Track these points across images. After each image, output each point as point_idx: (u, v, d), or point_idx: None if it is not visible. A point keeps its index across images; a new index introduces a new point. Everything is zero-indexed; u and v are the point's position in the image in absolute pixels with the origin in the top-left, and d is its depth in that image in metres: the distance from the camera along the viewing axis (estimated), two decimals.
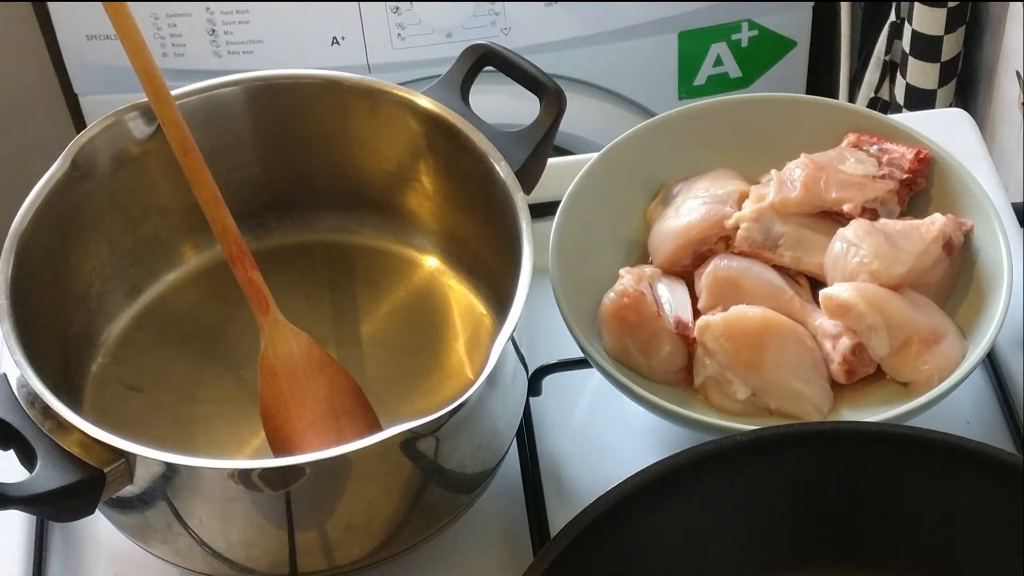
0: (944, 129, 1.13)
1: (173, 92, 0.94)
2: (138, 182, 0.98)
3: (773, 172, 1.01)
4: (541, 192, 0.98)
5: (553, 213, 1.01)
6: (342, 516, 0.86)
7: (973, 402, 1.00)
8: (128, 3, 0.91)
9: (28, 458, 0.82)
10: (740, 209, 1.00)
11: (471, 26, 1.70)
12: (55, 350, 0.92)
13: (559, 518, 0.88)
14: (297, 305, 0.99)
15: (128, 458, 0.82)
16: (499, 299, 0.97)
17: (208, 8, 1.68)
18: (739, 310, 0.95)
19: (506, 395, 0.90)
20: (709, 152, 1.05)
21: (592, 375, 1.00)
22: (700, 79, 1.83)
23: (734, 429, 0.88)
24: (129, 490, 0.84)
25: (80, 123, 1.86)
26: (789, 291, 0.98)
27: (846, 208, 0.99)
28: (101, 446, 0.81)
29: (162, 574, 0.92)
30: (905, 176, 1.01)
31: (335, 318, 1.02)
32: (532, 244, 0.88)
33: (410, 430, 0.81)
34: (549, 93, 0.97)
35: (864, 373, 0.95)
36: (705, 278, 0.98)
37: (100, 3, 0.91)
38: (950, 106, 1.55)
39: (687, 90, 1.83)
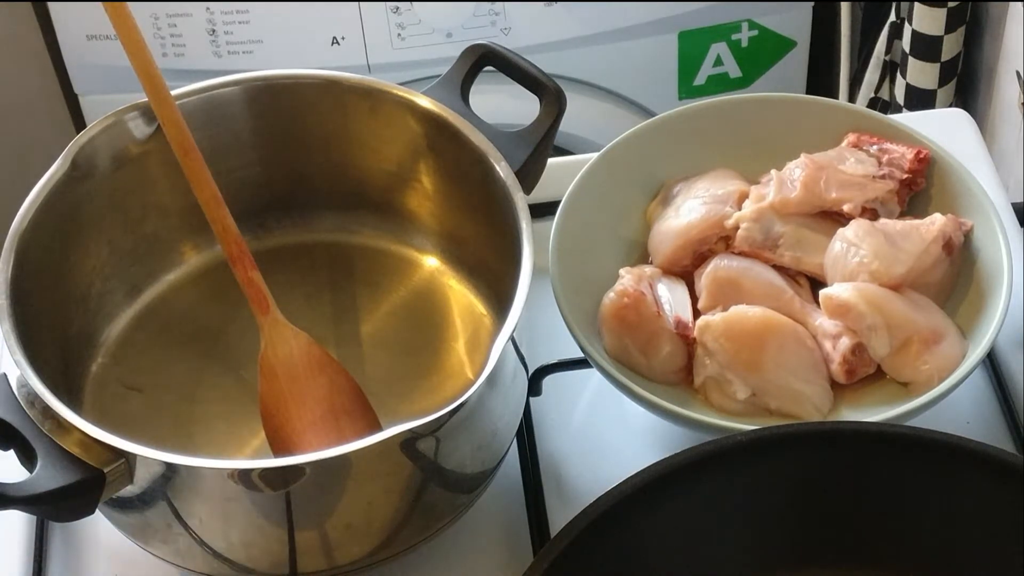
0: (944, 129, 1.13)
1: (173, 92, 0.94)
2: (138, 182, 0.98)
3: (773, 172, 1.01)
4: (541, 192, 0.98)
5: (553, 213, 1.01)
6: (342, 516, 0.86)
7: (973, 402, 1.00)
8: (128, 3, 0.91)
9: (28, 458, 0.82)
10: (740, 209, 1.00)
11: (471, 26, 1.70)
12: (55, 350, 0.92)
13: (559, 518, 0.88)
14: (297, 305, 0.99)
15: (128, 458, 0.82)
16: (499, 299, 0.97)
17: (208, 8, 1.68)
18: (739, 310, 0.95)
19: (506, 395, 0.90)
20: (709, 152, 1.05)
21: (592, 375, 1.00)
22: (700, 79, 1.83)
23: (734, 429, 0.88)
24: (129, 490, 0.84)
25: (80, 123, 1.86)
26: (789, 291, 0.98)
27: (846, 208, 0.99)
28: (101, 446, 0.81)
29: (162, 574, 0.92)
30: (905, 176, 1.01)
31: (335, 318, 1.02)
32: (532, 244, 0.88)
33: (410, 430, 0.81)
34: (549, 93, 0.97)
35: (864, 373, 0.95)
36: (705, 278, 0.98)
37: (100, 3, 0.91)
38: (950, 106, 1.55)
39: (687, 90, 1.83)
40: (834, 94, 1.76)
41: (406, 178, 1.01)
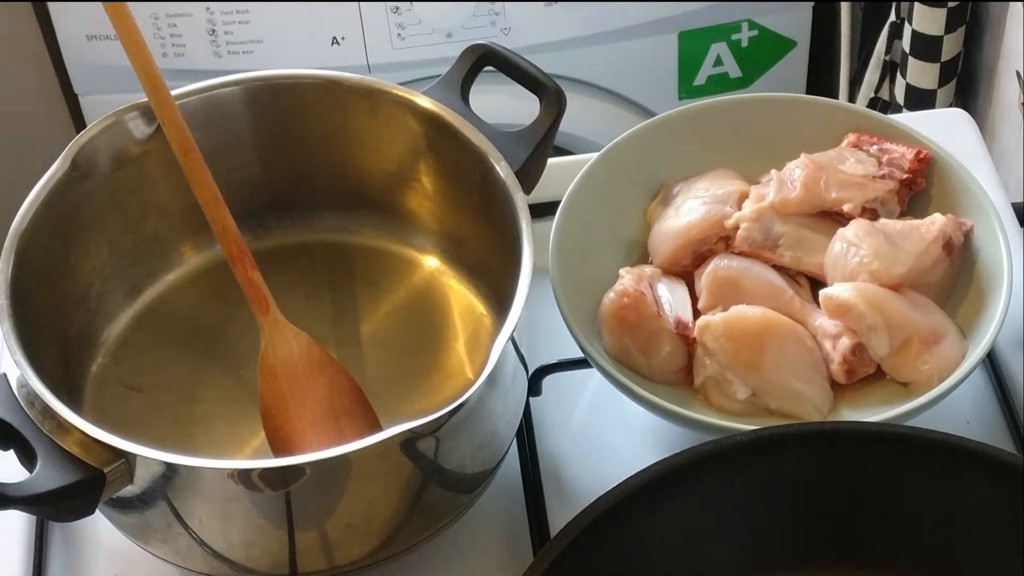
0: (944, 129, 1.13)
1: (173, 92, 0.94)
2: (138, 182, 0.98)
3: (773, 172, 1.01)
4: (541, 192, 0.98)
5: (553, 213, 1.01)
6: (342, 516, 0.86)
7: (973, 402, 1.00)
8: (128, 3, 0.91)
9: (28, 458, 0.82)
10: (740, 209, 1.00)
11: (471, 26, 1.70)
12: (55, 350, 0.92)
13: (559, 518, 0.88)
14: (297, 305, 0.99)
15: (128, 458, 0.82)
16: (499, 299, 0.97)
17: (208, 8, 1.68)
18: (739, 310, 0.95)
19: (506, 395, 0.90)
20: (709, 152, 1.05)
21: (592, 375, 1.00)
22: (700, 79, 1.83)
23: (734, 429, 0.88)
24: (129, 490, 0.84)
25: (80, 123, 1.86)
26: (789, 291, 0.98)
27: (846, 208, 0.99)
28: (101, 446, 0.81)
29: (162, 574, 0.92)
30: (905, 176, 1.01)
31: (335, 318, 1.02)
32: (532, 244, 0.88)
33: (410, 430, 0.81)
34: (549, 93, 0.97)
35: (864, 373, 0.95)
36: (705, 278, 0.98)
37: (100, 3, 0.91)
38: (950, 106, 1.55)
39: (687, 90, 1.83)
40: (834, 94, 1.76)
41: (406, 178, 1.01)
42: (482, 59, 0.99)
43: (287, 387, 0.93)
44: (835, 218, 1.00)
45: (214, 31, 1.70)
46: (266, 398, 0.94)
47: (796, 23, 1.81)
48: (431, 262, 1.03)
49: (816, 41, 1.84)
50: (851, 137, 1.04)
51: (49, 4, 1.70)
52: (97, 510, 0.83)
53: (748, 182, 1.03)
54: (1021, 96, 1.43)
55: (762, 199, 1.00)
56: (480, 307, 1.01)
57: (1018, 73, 1.44)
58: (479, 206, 0.96)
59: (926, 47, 1.52)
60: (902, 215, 1.01)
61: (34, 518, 0.96)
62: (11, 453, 0.83)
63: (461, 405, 0.83)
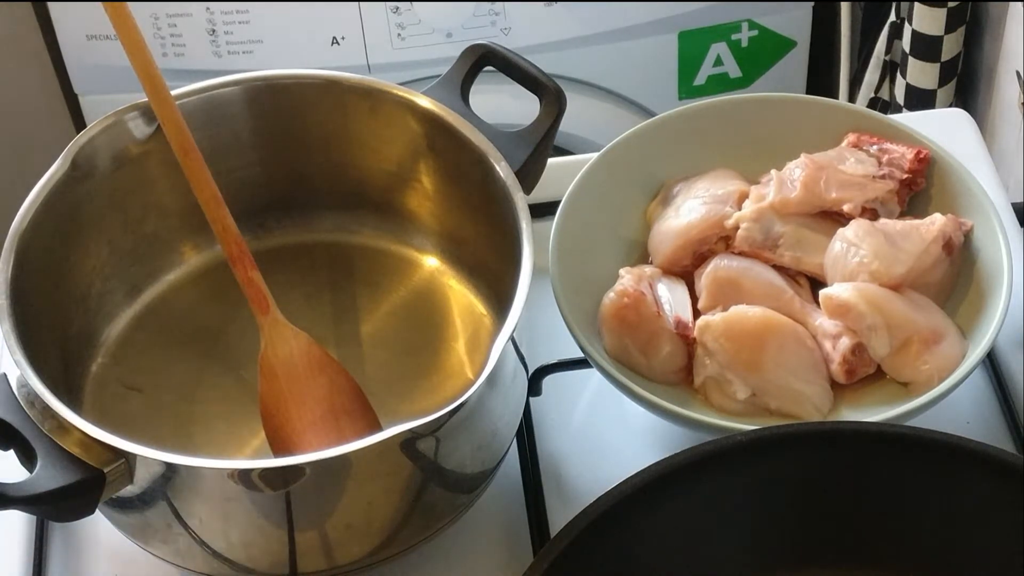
0: (944, 129, 1.13)
1: (173, 92, 0.94)
2: (138, 182, 0.98)
3: (773, 172, 1.01)
4: (541, 192, 0.98)
5: (553, 213, 1.01)
6: (342, 516, 0.86)
7: (973, 402, 1.00)
8: (128, 3, 0.91)
9: (28, 458, 0.82)
10: (740, 209, 1.00)
11: (471, 26, 1.70)
12: (55, 350, 0.92)
13: (559, 518, 0.88)
14: (297, 305, 0.99)
15: (128, 458, 0.82)
16: (499, 299, 0.97)
17: (208, 8, 1.68)
18: (739, 310, 0.95)
19: (506, 395, 0.90)
20: (709, 152, 1.05)
21: (592, 375, 1.00)
22: (700, 79, 1.83)
23: (734, 429, 0.88)
24: (129, 490, 0.84)
25: (80, 123, 1.86)
26: (789, 291, 0.98)
27: (846, 208, 0.99)
28: (101, 446, 0.81)
29: (162, 574, 0.92)
30: (905, 176, 1.01)
31: (335, 318, 1.02)
32: (532, 244, 0.88)
33: (410, 430, 0.81)
34: (549, 93, 0.97)
35: (864, 373, 0.95)
36: (705, 278, 0.98)
37: (100, 3, 0.91)
38: (950, 106, 1.55)
39: (687, 90, 1.83)
40: (834, 94, 1.76)
41: (406, 178, 1.01)
42: (482, 59, 0.99)
43: (287, 387, 0.93)
44: (835, 218, 1.00)
45: (214, 31, 1.70)
46: (266, 398, 0.94)
47: (796, 23, 1.81)
48: (431, 262, 1.03)
49: (816, 41, 1.84)
50: (851, 137, 1.04)
51: (49, 4, 1.70)
52: (97, 510, 0.83)
53: (748, 182, 1.03)
54: (1021, 96, 1.43)
55: (762, 199, 1.00)
56: (480, 307, 1.01)
57: (1018, 73, 1.44)
58: (479, 206, 0.96)
59: (926, 47, 1.52)
60: (902, 215, 1.01)
61: (34, 518, 0.96)
62: (11, 453, 0.83)
63: (461, 405, 0.83)
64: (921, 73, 1.54)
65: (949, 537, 0.85)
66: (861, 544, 0.87)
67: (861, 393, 0.95)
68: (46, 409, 0.82)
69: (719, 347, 0.94)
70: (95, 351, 0.98)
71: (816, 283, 0.99)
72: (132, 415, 0.96)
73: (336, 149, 1.01)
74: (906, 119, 1.11)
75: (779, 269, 0.99)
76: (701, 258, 1.00)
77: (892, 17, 1.59)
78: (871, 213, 1.00)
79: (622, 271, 0.99)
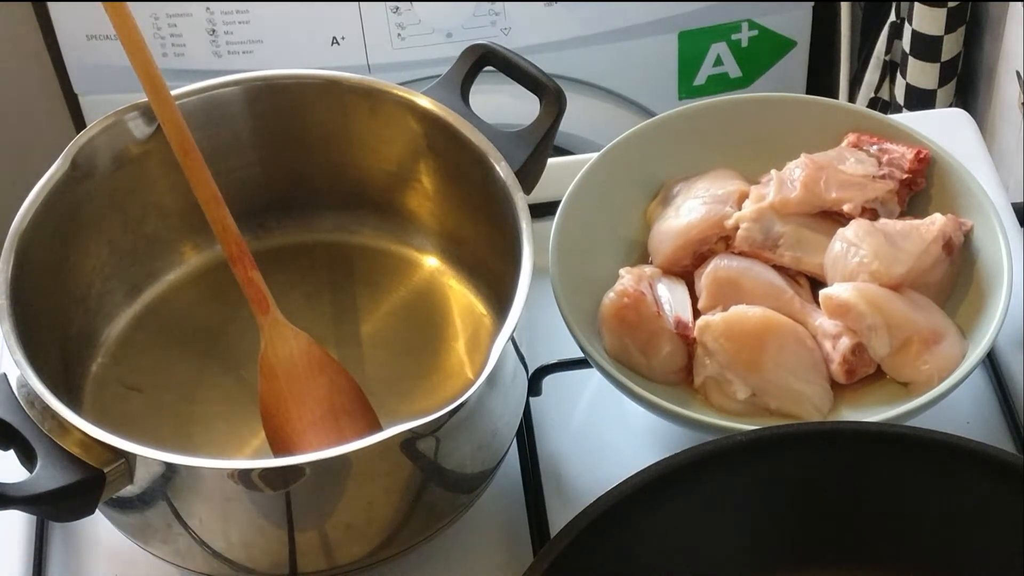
0: (944, 129, 1.13)
1: (173, 92, 0.94)
2: (138, 182, 0.98)
3: (773, 172, 1.01)
4: (541, 192, 0.98)
5: (553, 213, 1.01)
6: (342, 516, 0.86)
7: (973, 402, 1.00)
8: (128, 3, 0.91)
9: (28, 458, 0.82)
10: (740, 209, 1.00)
11: (471, 26, 1.70)
12: (55, 350, 0.92)
13: (559, 518, 0.88)
14: (297, 305, 0.99)
15: (128, 458, 0.82)
16: (499, 299, 0.97)
17: (208, 8, 1.68)
18: (739, 310, 0.95)
19: (506, 395, 0.90)
20: (709, 152, 1.05)
21: (592, 375, 1.00)
22: (700, 79, 1.83)
23: (734, 429, 0.88)
24: (129, 490, 0.84)
25: (80, 123, 1.86)
26: (789, 291, 0.98)
27: (846, 208, 0.99)
28: (101, 446, 0.81)
29: (162, 574, 0.92)
30: (905, 176, 1.01)
31: (335, 318, 1.02)
32: (532, 244, 0.88)
33: (410, 430, 0.81)
34: (549, 93, 0.97)
35: (864, 373, 0.95)
36: (705, 278, 0.98)
37: (100, 3, 0.91)
38: (950, 106, 1.55)
39: (687, 90, 1.83)
40: (834, 94, 1.76)
41: (406, 178, 1.01)
42: (482, 59, 0.99)
43: (287, 387, 0.93)
44: (835, 218, 1.00)
45: (214, 31, 1.70)
46: (266, 398, 0.94)
47: (796, 23, 1.81)
48: (431, 262, 1.03)
49: (816, 41, 1.84)
50: (851, 137, 1.04)
51: (49, 4, 1.70)
52: (97, 510, 0.83)
53: (748, 182, 1.03)
54: (1021, 96, 1.43)
55: (762, 199, 1.00)
56: (480, 307, 1.01)
57: (1018, 73, 1.44)
58: (479, 206, 0.96)
59: (926, 47, 1.52)
60: (902, 215, 1.01)
61: (34, 518, 0.96)
62: (11, 453, 0.83)
63: (461, 405, 0.83)
64: (921, 73, 1.54)
65: (949, 537, 0.85)
66: (861, 544, 0.87)
67: (861, 393, 0.95)
68: (46, 409, 0.82)
69: (719, 347, 0.94)
70: (95, 351, 0.98)
71: (816, 283, 0.99)
72: (132, 415, 0.96)
73: (336, 149, 1.01)
74: (906, 119, 1.11)
75: (779, 269, 0.99)
76: (701, 258, 1.00)
77: (892, 17, 1.59)
78: (871, 213, 1.00)
79: (622, 271, 0.99)
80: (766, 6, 1.78)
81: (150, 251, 1.01)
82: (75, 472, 0.80)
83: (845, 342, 0.94)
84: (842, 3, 1.70)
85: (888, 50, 1.61)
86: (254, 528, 0.85)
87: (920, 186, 1.02)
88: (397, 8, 1.69)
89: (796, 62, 1.85)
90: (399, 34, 1.71)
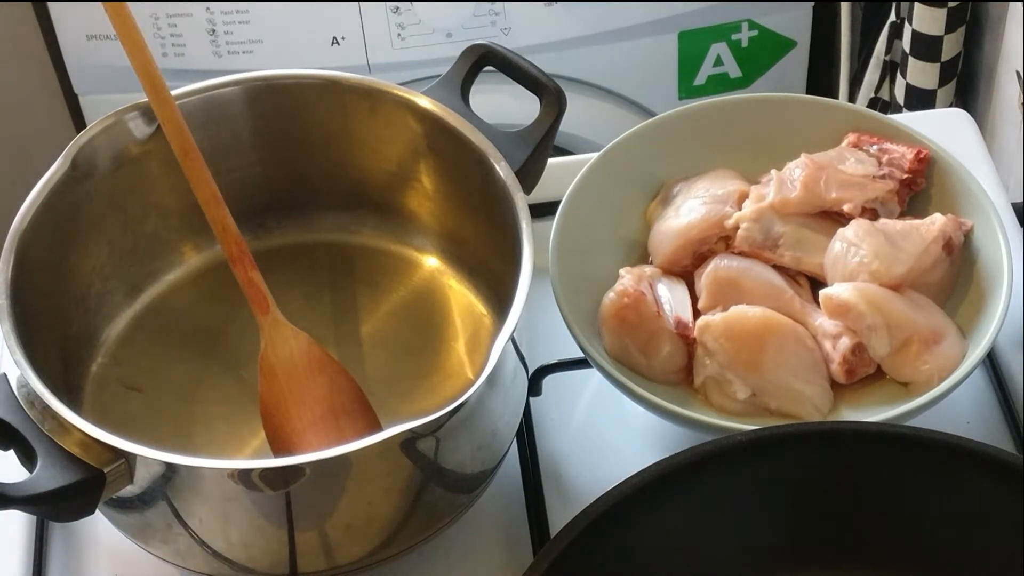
0: (944, 129, 1.13)
1: (173, 92, 0.94)
2: (138, 182, 0.98)
3: (773, 172, 1.01)
4: (541, 192, 0.98)
5: (553, 213, 1.01)
6: (342, 516, 0.86)
7: (973, 402, 1.00)
8: (128, 3, 0.91)
9: (28, 458, 0.82)
10: (740, 209, 1.00)
11: (471, 26, 1.70)
12: (55, 350, 0.92)
13: (559, 518, 0.88)
14: (297, 305, 0.99)
15: (128, 458, 0.82)
16: (499, 299, 0.97)
17: (208, 8, 1.68)
18: (739, 310, 0.95)
19: (506, 395, 0.90)
20: (709, 152, 1.05)
21: (592, 375, 1.00)
22: (700, 79, 1.83)
23: (734, 429, 0.88)
24: (129, 490, 0.84)
25: (80, 123, 1.86)
26: (789, 291, 0.98)
27: (846, 208, 0.99)
28: (101, 446, 0.81)
29: (162, 574, 0.92)
30: (905, 176, 1.01)
31: (335, 318, 1.02)
32: (532, 244, 0.88)
33: (410, 430, 0.81)
34: (549, 93, 0.97)
35: (864, 373, 0.95)
36: (705, 278, 0.98)
37: (100, 3, 0.91)
38: (950, 106, 1.55)
39: (687, 90, 1.83)
40: (834, 94, 1.76)
41: (406, 178, 1.01)
42: (482, 59, 0.99)
43: (287, 387, 0.93)
44: (835, 218, 1.00)
45: (214, 31, 1.70)
46: (266, 398, 0.94)
47: (796, 23, 1.81)
48: (431, 262, 1.03)
49: (816, 41, 1.84)
50: (851, 137, 1.04)
51: (49, 4, 1.70)
52: (97, 510, 0.83)
53: (748, 182, 1.03)
54: (1021, 96, 1.43)
55: (762, 199, 1.00)
56: (480, 307, 1.01)
57: (1018, 73, 1.44)
58: (479, 206, 0.96)
59: (926, 47, 1.52)
60: (902, 215, 1.01)
61: (34, 518, 0.96)
62: (11, 453, 0.83)
63: (461, 405, 0.83)
64: (921, 73, 1.54)
65: (949, 537, 0.85)
66: (861, 544, 0.87)
67: (861, 393, 0.95)
68: (46, 409, 0.82)
69: (719, 347, 0.94)
70: (95, 351, 0.98)
71: (816, 283, 0.99)
72: (132, 415, 0.96)
73: (336, 149, 1.01)
74: (906, 119, 1.11)
75: (779, 269, 0.99)
76: (701, 258, 1.00)
77: (892, 17, 1.59)
78: (871, 213, 1.00)
79: (622, 271, 0.99)
80: (766, 6, 1.78)
81: (150, 251, 1.01)
82: (75, 472, 0.80)
83: (845, 342, 0.94)
84: (842, 3, 1.70)
85: (888, 50, 1.61)
86: (254, 528, 0.85)
87: (920, 186, 1.02)
88: (397, 8, 1.69)
89: (796, 62, 1.85)
90: (399, 34, 1.71)
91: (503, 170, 0.93)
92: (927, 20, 1.50)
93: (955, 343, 0.95)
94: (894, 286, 0.96)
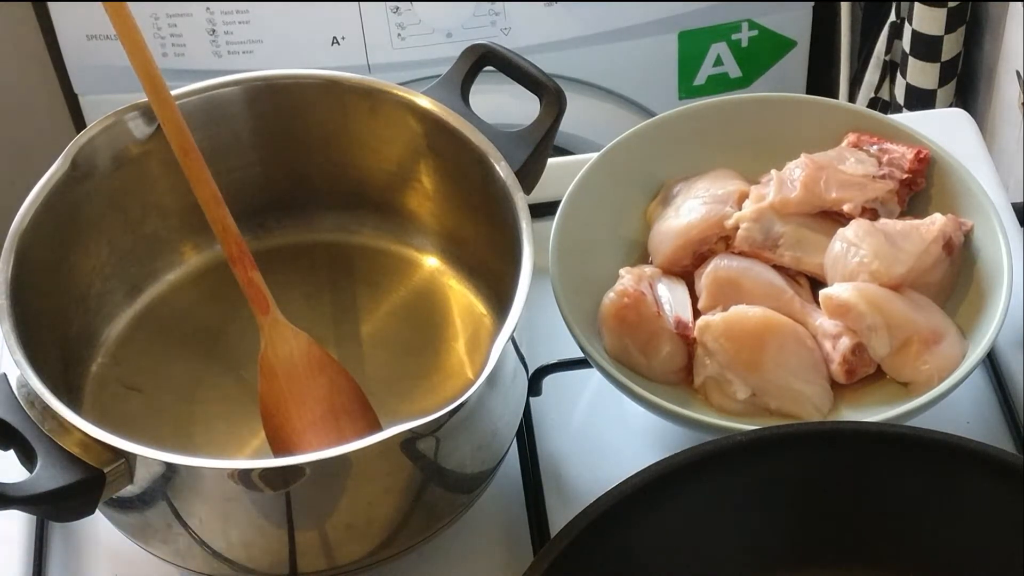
0: (944, 129, 1.13)
1: (173, 92, 0.94)
2: (138, 182, 0.98)
3: (773, 172, 1.01)
4: (541, 192, 0.98)
5: (553, 213, 1.01)
6: (342, 516, 0.86)
7: (973, 402, 1.00)
8: (128, 3, 0.91)
9: (28, 458, 0.82)
10: (740, 209, 1.00)
11: (471, 26, 1.70)
12: (55, 350, 0.92)
13: (559, 518, 0.88)
14: (297, 305, 0.99)
15: (128, 458, 0.82)
16: (499, 299, 0.97)
17: (208, 8, 1.68)
18: (739, 310, 0.95)
19: (506, 395, 0.90)
20: (709, 152, 1.05)
21: (592, 375, 1.00)
22: (700, 79, 1.83)
23: (734, 429, 0.88)
24: (129, 490, 0.84)
25: (80, 123, 1.86)
26: (789, 291, 0.98)
27: (846, 208, 0.99)
28: (101, 446, 0.81)
29: (162, 574, 0.92)
30: (905, 176, 1.01)
31: (335, 318, 1.02)
32: (532, 244, 0.88)
33: (410, 430, 0.81)
34: (549, 93, 0.97)
35: (864, 373, 0.95)
36: (705, 278, 0.98)
37: (100, 3, 0.91)
38: (950, 106, 1.55)
39: (687, 90, 1.83)
40: (834, 94, 1.76)
41: (406, 178, 1.01)
42: (482, 59, 0.99)
43: (287, 387, 0.93)
44: (835, 218, 1.00)
45: (214, 31, 1.70)
46: (266, 398, 0.94)
47: (796, 23, 1.81)
48: (431, 262, 1.03)
49: (816, 41, 1.84)
50: (851, 137, 1.04)
51: (49, 4, 1.70)
52: (97, 510, 0.83)
53: (748, 182, 1.03)
54: (1021, 96, 1.43)
55: (762, 199, 1.00)
56: (480, 307, 1.01)
57: (1018, 73, 1.44)
58: (479, 206, 0.96)
59: (926, 47, 1.52)
60: (902, 215, 1.01)
61: (34, 518, 0.96)
62: (11, 453, 0.83)
63: (461, 405, 0.83)
64: (921, 73, 1.54)
65: (949, 537, 0.85)
66: (861, 544, 0.87)
67: (861, 393, 0.95)
68: (46, 409, 0.82)
69: (719, 347, 0.94)
70: (95, 351, 0.98)
71: (816, 283, 0.99)
72: (132, 415, 0.96)
73: (336, 149, 1.01)
74: (906, 119, 1.11)
75: (779, 269, 0.99)
76: (701, 258, 1.00)
77: (892, 17, 1.59)
78: (871, 213, 1.00)
79: (622, 271, 0.99)
80: (766, 6, 1.78)
81: (150, 251, 1.01)
82: (75, 472, 0.80)
83: (845, 342, 0.94)
84: (842, 3, 1.70)
85: (888, 50, 1.61)
86: (254, 528, 0.85)
87: (920, 186, 1.02)
88: (397, 8, 1.69)
89: (796, 62, 1.85)
90: (399, 34, 1.71)
91: (503, 170, 0.93)
92: (927, 20, 1.50)
93: (955, 343, 0.95)
94: (894, 286, 0.96)
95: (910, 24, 1.52)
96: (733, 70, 1.83)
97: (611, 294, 0.97)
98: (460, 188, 0.98)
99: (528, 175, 0.95)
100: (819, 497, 0.86)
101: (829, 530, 0.87)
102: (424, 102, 0.97)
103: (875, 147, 1.03)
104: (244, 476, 0.82)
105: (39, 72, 1.85)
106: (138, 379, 0.98)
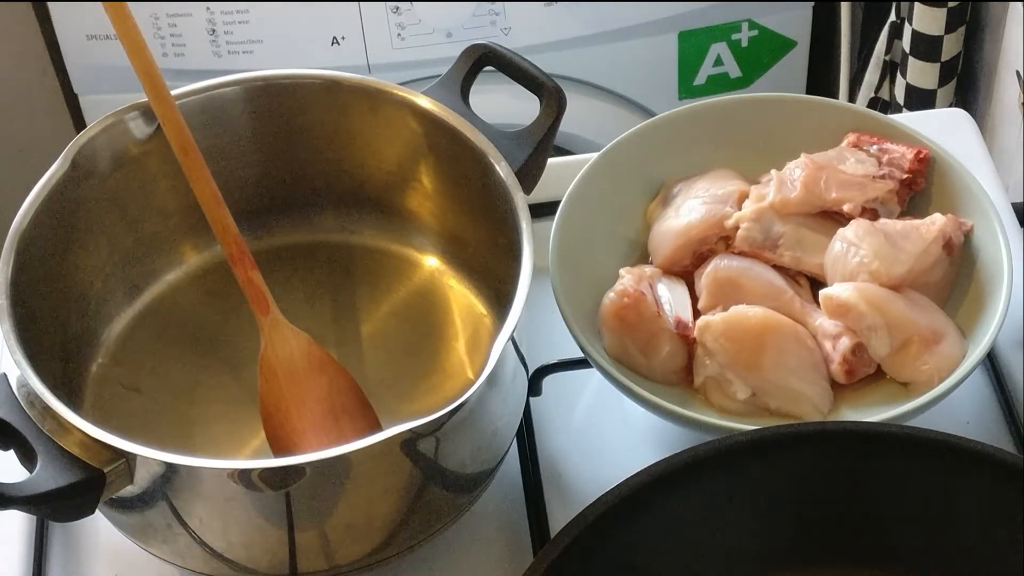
0: (944, 129, 1.13)
1: (173, 92, 0.94)
2: (138, 182, 0.98)
3: (773, 172, 1.01)
4: (541, 192, 0.98)
5: (553, 213, 1.01)
6: (342, 516, 0.86)
7: (973, 402, 1.00)
8: (128, 3, 0.91)
9: (28, 458, 0.82)
10: (740, 209, 1.00)
11: (471, 26, 1.70)
12: (55, 350, 0.92)
13: (559, 518, 0.88)
14: (297, 305, 0.99)
15: (128, 458, 0.82)
16: (499, 299, 0.97)
17: (208, 8, 1.68)
18: (739, 310, 0.95)
19: (506, 395, 0.90)
20: (709, 152, 1.05)
21: (592, 375, 0.99)
22: (700, 79, 1.83)
23: (734, 429, 0.88)
24: (129, 490, 0.84)
25: (80, 123, 1.86)
26: (789, 291, 0.98)
27: (846, 208, 0.99)
28: (101, 446, 0.81)
29: (162, 574, 0.92)
30: (905, 176, 1.01)
31: (335, 318, 1.02)
32: (532, 244, 0.88)
33: (410, 430, 0.81)
34: (549, 93, 0.97)
35: (864, 373, 0.95)
36: (705, 278, 0.98)
37: (100, 3, 0.91)
38: (950, 106, 1.55)
39: (687, 90, 1.83)
40: (834, 94, 1.76)
41: (406, 178, 1.01)
42: (482, 59, 0.99)
43: (287, 387, 0.93)
44: (835, 218, 1.00)
45: (214, 31, 1.70)
46: (266, 398, 0.94)
47: (796, 23, 1.81)
48: (431, 262, 1.03)
49: (816, 41, 1.84)
50: (851, 137, 1.04)
51: (49, 4, 1.70)
52: (97, 510, 0.83)
53: (748, 182, 1.03)
54: (1021, 96, 1.43)
55: (762, 199, 1.00)
56: (480, 307, 1.01)
57: (1018, 73, 1.44)
58: (479, 206, 0.96)
59: (926, 47, 1.52)
60: (902, 215, 1.01)
61: (34, 518, 0.96)
62: (11, 453, 0.83)
63: (461, 405, 0.83)
64: (921, 73, 1.54)
65: (949, 537, 0.85)
66: (861, 544, 0.87)
67: (861, 393, 0.95)
68: (46, 409, 0.82)
69: (719, 347, 0.94)
70: (95, 351, 0.98)
71: (816, 283, 0.99)
72: (132, 415, 0.96)
73: (336, 149, 1.01)
74: (906, 119, 1.11)
75: (779, 269, 0.99)
76: (701, 258, 1.00)
77: (892, 17, 1.58)
78: (871, 213, 1.00)
79: (622, 271, 0.99)
80: (766, 6, 1.78)
81: (150, 251, 1.01)
82: (75, 472, 0.80)
83: (845, 342, 0.94)
84: (842, 3, 1.70)
85: (888, 50, 1.61)
86: (254, 528, 0.85)
87: (920, 186, 1.02)
88: (397, 8, 1.69)
89: (796, 62, 1.85)
90: (399, 34, 1.71)
91: (503, 170, 0.93)
92: (927, 20, 1.50)
93: (955, 343, 0.95)
94: (894, 286, 0.96)
95: (910, 24, 1.52)
96: (733, 70, 1.83)
97: (611, 294, 0.97)
98: (460, 188, 0.98)
99: (528, 175, 0.95)
100: (819, 497, 0.86)
101: (829, 530, 0.87)
102: (424, 102, 0.97)
103: (875, 147, 1.03)
104: (244, 476, 0.82)
105: (39, 72, 1.85)
106: (138, 379, 0.98)
